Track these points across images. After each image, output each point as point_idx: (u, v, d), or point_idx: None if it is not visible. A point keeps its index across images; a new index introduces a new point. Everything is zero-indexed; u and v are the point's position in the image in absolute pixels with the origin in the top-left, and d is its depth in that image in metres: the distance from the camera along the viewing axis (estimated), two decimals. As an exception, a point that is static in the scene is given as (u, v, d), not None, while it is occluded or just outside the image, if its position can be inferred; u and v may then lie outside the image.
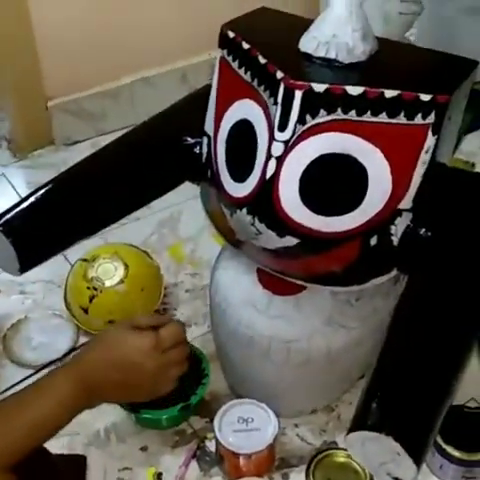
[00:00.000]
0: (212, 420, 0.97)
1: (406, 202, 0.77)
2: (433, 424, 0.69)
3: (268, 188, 0.77)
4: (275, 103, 0.74)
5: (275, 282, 0.91)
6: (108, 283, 1.16)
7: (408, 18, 1.40)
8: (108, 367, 0.86)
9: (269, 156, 0.76)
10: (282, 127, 0.74)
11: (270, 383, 1.00)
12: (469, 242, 0.78)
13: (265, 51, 0.77)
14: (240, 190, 0.81)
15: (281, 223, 0.78)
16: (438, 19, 1.59)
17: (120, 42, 1.60)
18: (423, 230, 0.78)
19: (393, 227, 0.78)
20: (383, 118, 0.72)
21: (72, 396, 0.82)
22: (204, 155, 0.89)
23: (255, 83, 0.78)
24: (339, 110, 0.72)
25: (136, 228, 1.34)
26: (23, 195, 0.93)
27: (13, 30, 1.50)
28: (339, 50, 0.76)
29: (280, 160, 0.75)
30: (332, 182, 0.76)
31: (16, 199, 0.92)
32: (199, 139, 0.89)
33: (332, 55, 0.76)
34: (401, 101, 0.72)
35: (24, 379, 1.09)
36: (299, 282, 0.87)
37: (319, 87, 0.72)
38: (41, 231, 0.90)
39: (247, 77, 0.79)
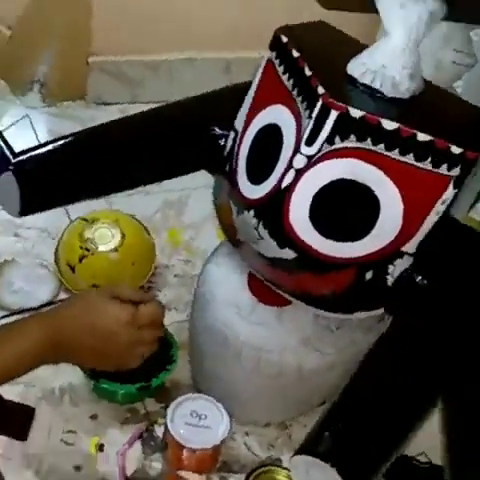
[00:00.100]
0: (167, 407, 0.96)
1: (410, 246, 0.77)
2: (379, 466, 0.69)
3: (280, 197, 0.77)
4: (309, 117, 0.74)
5: (263, 290, 0.91)
6: (102, 248, 1.16)
7: (460, 69, 1.39)
8: (82, 329, 0.86)
9: (289, 166, 0.76)
10: (310, 142, 0.74)
11: (235, 386, 1.00)
12: (463, 302, 0.77)
13: (313, 64, 0.77)
14: (253, 192, 0.81)
15: (284, 234, 0.78)
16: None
17: (174, 18, 1.60)
18: (420, 278, 0.78)
19: (391, 267, 0.78)
20: (410, 159, 0.72)
21: (41, 346, 0.82)
22: (227, 149, 0.89)
23: (295, 92, 0.78)
24: (369, 140, 0.72)
25: (143, 202, 1.33)
26: (42, 141, 0.93)
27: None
28: (384, 82, 0.76)
29: (299, 173, 0.75)
30: (344, 207, 0.76)
31: (34, 143, 0.91)
32: (226, 132, 0.89)
33: (377, 85, 0.76)
34: (432, 147, 0.72)
35: (-3, 319, 1.09)
36: (286, 295, 0.87)
37: (356, 112, 0.72)
38: (50, 180, 0.90)
39: (289, 84, 0.79)
